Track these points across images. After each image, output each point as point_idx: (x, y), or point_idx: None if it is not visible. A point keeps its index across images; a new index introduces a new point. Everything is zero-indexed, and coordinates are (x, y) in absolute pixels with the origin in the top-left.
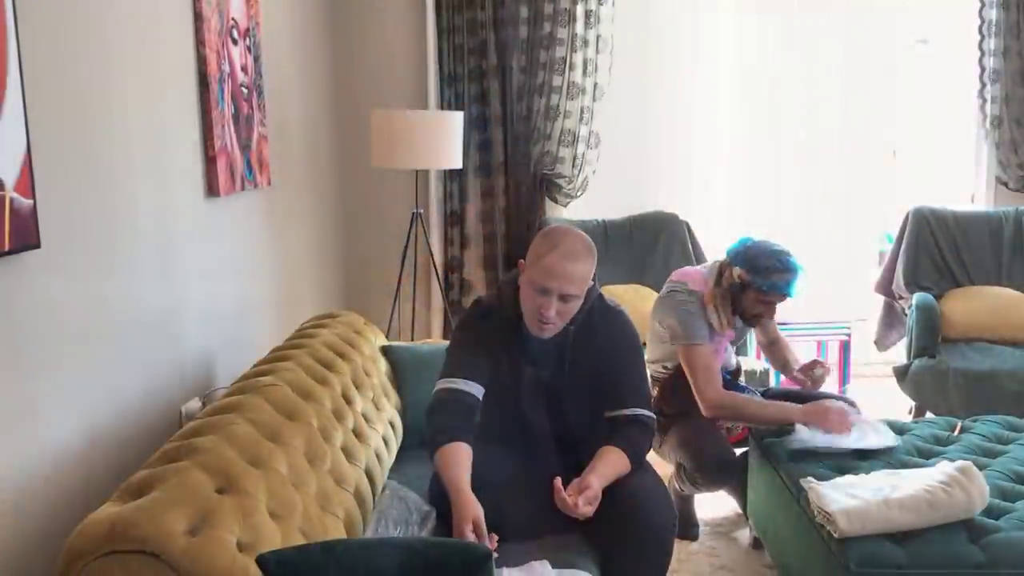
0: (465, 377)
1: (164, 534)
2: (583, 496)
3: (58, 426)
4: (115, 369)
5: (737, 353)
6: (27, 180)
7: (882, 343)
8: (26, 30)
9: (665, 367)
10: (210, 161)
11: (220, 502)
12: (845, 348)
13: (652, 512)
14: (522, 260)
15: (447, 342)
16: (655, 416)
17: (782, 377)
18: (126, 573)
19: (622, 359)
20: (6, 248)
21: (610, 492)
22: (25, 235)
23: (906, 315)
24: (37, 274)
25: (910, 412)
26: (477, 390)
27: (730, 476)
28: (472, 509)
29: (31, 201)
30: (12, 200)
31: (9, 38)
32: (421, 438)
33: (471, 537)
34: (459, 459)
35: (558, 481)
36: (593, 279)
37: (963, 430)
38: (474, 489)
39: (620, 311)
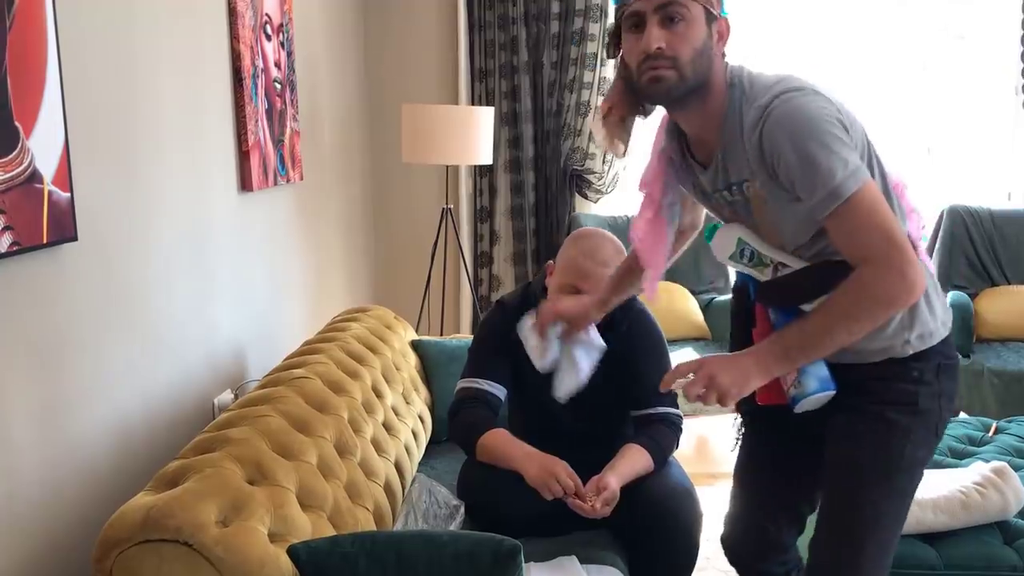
0: (487, 379)
1: (197, 524)
2: (600, 498)
3: (93, 417)
4: (149, 361)
5: None
6: (65, 173)
7: None
8: (65, 27)
9: None
10: (243, 156)
11: (252, 493)
12: None
13: (677, 510)
14: (551, 262)
15: None
16: (682, 415)
17: None
18: (159, 562)
19: (647, 359)
20: (44, 241)
21: (635, 490)
22: (63, 228)
23: None
24: (74, 267)
25: None
26: (499, 391)
27: None
28: (557, 460)
29: (69, 194)
30: (51, 193)
31: (49, 35)
32: (449, 434)
33: (568, 483)
34: (508, 437)
35: (572, 500)
36: None
37: (998, 431)
38: (502, 487)
39: (644, 311)
